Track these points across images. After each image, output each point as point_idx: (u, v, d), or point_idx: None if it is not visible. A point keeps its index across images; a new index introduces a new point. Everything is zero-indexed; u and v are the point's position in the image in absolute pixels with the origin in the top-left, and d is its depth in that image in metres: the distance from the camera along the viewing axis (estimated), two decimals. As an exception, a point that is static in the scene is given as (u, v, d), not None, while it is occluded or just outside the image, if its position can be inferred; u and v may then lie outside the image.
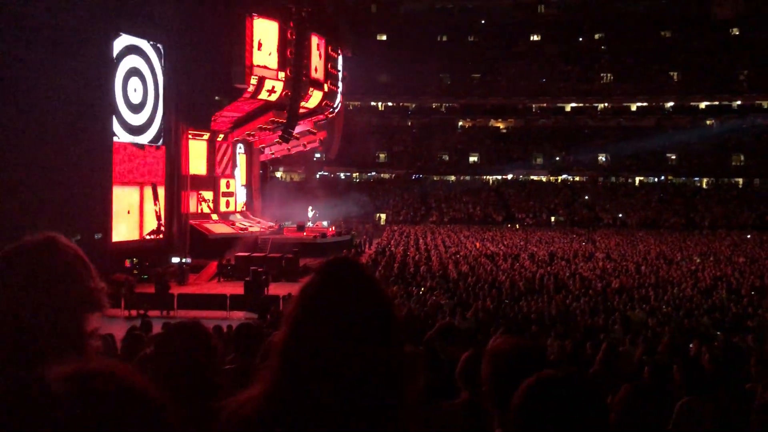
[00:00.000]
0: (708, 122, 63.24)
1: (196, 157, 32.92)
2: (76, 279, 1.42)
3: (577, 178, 61.53)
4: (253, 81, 28.66)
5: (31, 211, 20.82)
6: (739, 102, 62.26)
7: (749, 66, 61.62)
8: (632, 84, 64.10)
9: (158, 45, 27.12)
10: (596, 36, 69.06)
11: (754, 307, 15.45)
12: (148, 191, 27.13)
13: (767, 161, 56.76)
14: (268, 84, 29.27)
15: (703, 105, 63.64)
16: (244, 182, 38.18)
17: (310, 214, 38.64)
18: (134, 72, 25.99)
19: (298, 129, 33.55)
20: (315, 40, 32.89)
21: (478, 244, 35.11)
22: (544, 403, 1.38)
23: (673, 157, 60.28)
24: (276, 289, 21.79)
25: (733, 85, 61.84)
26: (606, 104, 65.63)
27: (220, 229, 32.43)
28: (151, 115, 27.06)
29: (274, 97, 29.99)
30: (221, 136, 34.52)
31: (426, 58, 65.95)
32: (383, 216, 54.44)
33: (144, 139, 26.82)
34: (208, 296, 20.43)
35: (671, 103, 64.16)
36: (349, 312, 1.21)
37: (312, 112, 34.94)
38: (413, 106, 69.21)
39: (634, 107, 65.36)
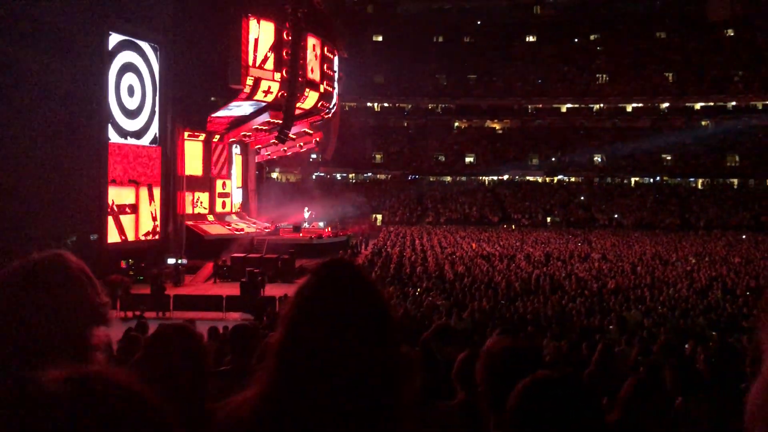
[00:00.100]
0: (703, 123, 63.40)
1: (192, 158, 32.88)
2: (83, 293, 1.47)
3: (572, 179, 61.62)
4: (249, 82, 28.63)
5: (27, 212, 20.79)
6: (734, 103, 62.42)
7: (744, 67, 61.81)
8: (628, 85, 64.25)
9: (154, 45, 27.10)
10: (592, 37, 69.24)
11: (749, 308, 15.48)
12: (143, 192, 27.06)
13: (762, 162, 56.94)
14: (264, 85, 29.24)
15: (698, 106, 63.79)
16: (240, 183, 38.16)
17: (306, 215, 38.64)
18: (130, 73, 25.94)
19: (294, 130, 33.52)
20: (311, 41, 32.87)
21: (474, 245, 35.12)
22: (540, 404, 1.38)
23: (669, 157, 60.42)
24: (272, 290, 21.76)
25: (728, 86, 62.02)
26: (602, 105, 65.75)
27: (216, 230, 32.39)
28: (146, 115, 27.01)
29: (270, 98, 29.97)
30: (217, 137, 34.48)
31: (422, 58, 66.06)
32: (379, 217, 54.43)
33: (140, 139, 26.76)
34: (204, 297, 20.38)
35: (666, 104, 64.31)
36: (345, 313, 1.21)
37: (308, 113, 34.93)
38: (409, 106, 69.25)
39: (629, 108, 65.49)
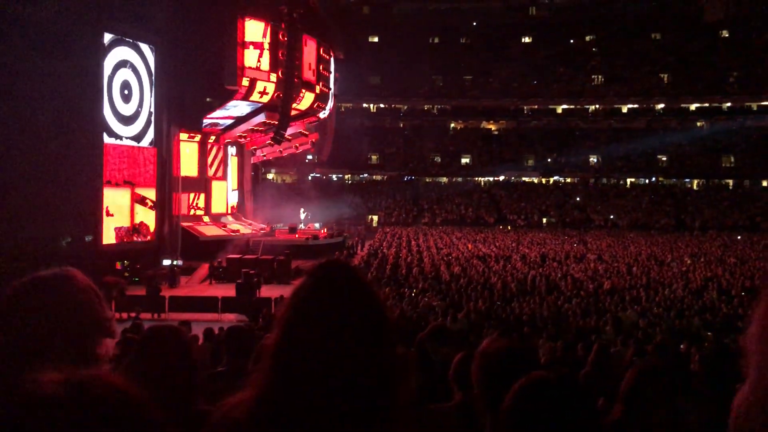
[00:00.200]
0: (698, 124, 63.59)
1: (188, 159, 32.84)
2: (90, 308, 1.55)
3: (568, 180, 61.72)
4: (245, 83, 28.61)
5: (22, 213, 20.73)
6: (729, 104, 62.61)
7: (739, 68, 62.00)
8: (623, 86, 64.39)
9: (149, 46, 27.04)
10: (587, 38, 69.38)
11: (745, 308, 15.52)
12: (139, 192, 26.99)
13: (757, 163, 57.14)
14: (259, 85, 29.21)
15: (693, 107, 63.97)
16: (236, 184, 38.12)
17: (302, 215, 38.61)
18: (125, 74, 25.89)
19: (290, 131, 33.51)
20: (307, 42, 32.86)
21: (470, 246, 35.14)
22: (535, 406, 1.39)
23: (664, 158, 60.57)
24: (268, 291, 21.76)
25: (724, 86, 62.20)
26: (597, 106, 65.87)
27: (212, 231, 32.36)
28: (141, 115, 26.96)
29: (265, 99, 29.95)
30: (213, 137, 34.44)
31: (418, 59, 66.11)
32: (375, 217, 54.43)
33: (135, 140, 26.70)
34: (200, 298, 20.36)
35: (662, 105, 64.45)
36: (341, 314, 1.21)
37: (304, 114, 34.90)
38: (405, 107, 69.25)
39: (625, 109, 65.63)
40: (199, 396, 2.23)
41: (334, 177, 63.74)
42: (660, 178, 60.10)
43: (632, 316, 14.25)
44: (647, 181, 60.62)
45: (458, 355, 3.02)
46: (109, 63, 24.98)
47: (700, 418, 4.04)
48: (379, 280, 21.92)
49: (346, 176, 64.24)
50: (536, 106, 67.02)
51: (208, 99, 28.77)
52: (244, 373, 1.29)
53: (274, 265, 26.21)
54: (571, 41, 69.27)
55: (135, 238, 26.49)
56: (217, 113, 30.31)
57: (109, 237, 25.04)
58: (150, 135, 27.36)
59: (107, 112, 24.95)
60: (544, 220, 54.47)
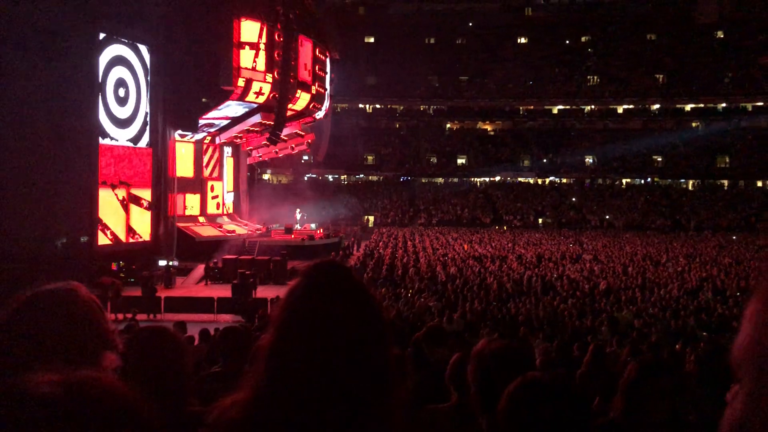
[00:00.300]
0: (693, 124, 63.81)
1: (183, 160, 32.79)
2: (94, 321, 1.58)
3: (564, 180, 61.83)
4: (241, 83, 28.56)
5: (17, 214, 20.67)
6: (724, 104, 62.82)
7: (734, 69, 62.23)
8: (618, 86, 64.55)
9: (145, 46, 27.00)
10: (583, 39, 69.54)
11: (740, 308, 15.55)
12: (134, 193, 26.93)
13: (752, 163, 57.35)
14: (255, 86, 29.16)
15: (688, 107, 64.17)
16: (232, 185, 38.06)
17: (298, 216, 38.59)
18: (120, 74, 25.83)
19: (285, 131, 33.47)
20: (303, 42, 32.83)
21: (466, 246, 35.17)
22: (530, 406, 1.38)
23: (660, 159, 60.74)
24: (264, 291, 21.73)
25: (718, 87, 62.40)
26: (593, 106, 66.02)
27: (208, 231, 32.30)
28: (136, 116, 26.91)
29: (261, 99, 29.91)
30: (208, 138, 34.39)
31: (414, 60, 66.13)
32: (371, 218, 54.43)
33: (130, 141, 26.64)
34: (196, 299, 20.32)
35: (657, 106, 64.63)
36: (335, 315, 1.20)
37: (300, 115, 34.87)
38: (401, 108, 69.28)
39: (620, 109, 65.78)
40: (192, 397, 2.23)
41: (330, 177, 63.72)
42: (655, 179, 60.26)
43: (628, 317, 14.28)
44: (643, 181, 60.77)
45: (455, 356, 3.02)
46: (104, 63, 24.92)
47: (696, 418, 4.04)
48: (375, 280, 21.91)
49: (342, 177, 64.24)
50: (532, 107, 67.13)
51: (203, 99, 28.71)
52: (239, 374, 1.29)
53: (270, 265, 26.19)
54: (567, 42, 69.44)
55: (131, 239, 26.45)
56: (213, 114, 30.24)
57: (104, 238, 24.97)
58: (146, 135, 27.29)
59: (102, 112, 24.88)
60: (540, 221, 54.55)
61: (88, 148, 23.96)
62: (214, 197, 35.83)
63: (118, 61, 25.76)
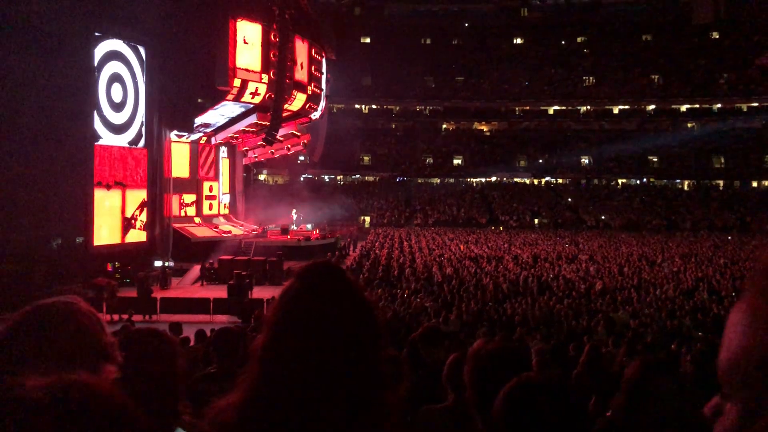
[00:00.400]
0: (689, 125, 63.97)
1: (179, 160, 32.73)
2: (93, 334, 1.61)
3: (560, 181, 61.92)
4: (236, 83, 28.54)
5: (12, 215, 20.60)
6: (719, 105, 63.00)
7: (729, 69, 62.40)
8: (614, 87, 64.67)
9: (140, 46, 26.94)
10: (578, 39, 69.68)
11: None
12: (130, 194, 26.85)
13: (747, 164, 57.56)
14: (251, 86, 29.13)
15: (683, 108, 64.33)
16: (228, 185, 38.01)
17: (294, 217, 38.56)
18: (116, 74, 25.76)
19: (281, 132, 33.45)
20: (298, 43, 32.82)
21: (462, 247, 35.19)
22: (525, 407, 1.38)
23: (655, 159, 60.86)
24: (260, 292, 21.72)
25: (714, 88, 62.57)
26: (588, 107, 66.13)
27: (204, 232, 32.26)
28: (132, 116, 26.85)
29: (257, 100, 29.89)
30: (204, 138, 34.34)
31: (410, 60, 66.20)
32: (368, 218, 54.43)
33: (125, 141, 26.58)
34: (192, 300, 20.29)
35: (653, 106, 64.78)
36: (329, 317, 1.20)
37: (296, 115, 34.85)
38: (397, 108, 69.30)
39: (616, 110, 65.91)
40: (184, 399, 2.22)
41: (326, 178, 63.71)
42: (651, 179, 60.40)
43: (624, 317, 14.30)
44: (638, 181, 60.92)
45: (451, 356, 3.02)
46: (100, 62, 24.86)
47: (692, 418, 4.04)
48: (372, 281, 21.90)
49: (339, 177, 64.24)
50: (528, 107, 67.22)
51: (199, 100, 28.69)
52: (233, 375, 1.28)
53: (266, 266, 26.17)
54: (563, 43, 69.58)
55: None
56: (209, 114, 30.22)
57: (100, 238, 24.89)
58: (141, 135, 27.22)
59: (97, 112, 24.80)
60: (536, 221, 54.62)
61: (83, 149, 23.90)
62: (209, 198, 35.78)
63: (114, 59, 25.68)
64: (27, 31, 20.91)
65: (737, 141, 59.68)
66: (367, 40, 72.21)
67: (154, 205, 27.76)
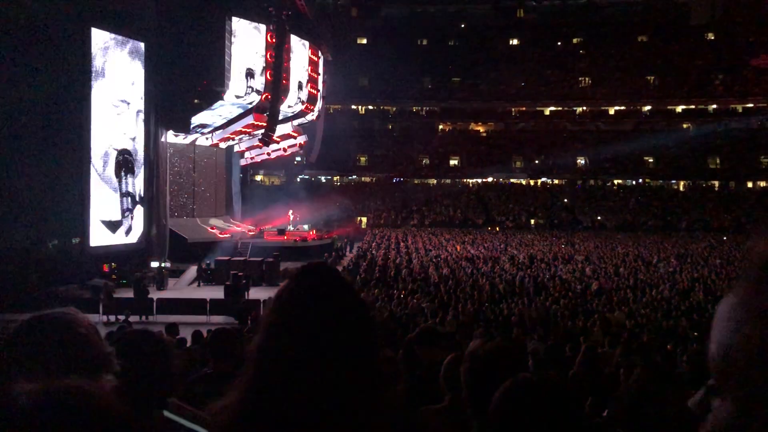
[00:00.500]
0: (685, 126, 64.04)
1: (176, 160, 32.70)
2: (91, 343, 1.64)
3: (556, 181, 61.97)
4: (232, 84, 28.52)
5: (8, 216, 20.55)
6: (714, 106, 63.10)
7: (724, 70, 62.50)
8: (610, 88, 64.73)
9: (137, 47, 26.87)
10: (575, 40, 69.71)
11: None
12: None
13: (743, 164, 57.67)
14: (247, 87, 29.15)
15: (679, 109, 64.43)
16: (225, 186, 38.00)
17: (291, 217, 38.54)
18: (112, 74, 25.68)
19: (278, 132, 33.45)
20: (295, 43, 32.81)
21: (458, 247, 35.22)
22: (520, 407, 1.38)
23: (651, 160, 60.93)
24: (257, 293, 21.70)
25: (709, 89, 62.68)
26: (584, 108, 66.17)
27: (200, 233, 32.23)
28: (130, 117, 26.79)
29: (254, 100, 29.88)
30: (201, 138, 34.31)
31: (406, 61, 66.12)
32: (364, 219, 54.40)
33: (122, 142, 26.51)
34: (188, 301, 20.24)
35: (648, 107, 64.85)
36: (324, 318, 1.20)
37: (292, 116, 34.87)
38: (394, 109, 69.26)
39: (612, 111, 65.97)
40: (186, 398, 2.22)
41: (323, 179, 63.67)
42: (647, 180, 60.48)
43: (620, 317, 14.33)
44: (634, 182, 60.99)
45: (450, 356, 3.02)
46: (99, 64, 24.78)
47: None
48: (368, 281, 21.90)
49: (335, 178, 64.19)
50: (524, 108, 67.25)
51: (196, 101, 28.64)
52: (229, 376, 1.28)
53: (263, 266, 26.14)
54: (559, 44, 69.60)
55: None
56: (206, 114, 30.19)
57: (96, 238, 24.81)
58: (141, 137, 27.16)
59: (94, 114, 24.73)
60: (532, 222, 54.65)
61: (80, 149, 23.83)
62: (206, 198, 35.75)
63: (110, 59, 25.61)
64: (22, 31, 20.87)
65: (733, 142, 59.77)
66: (364, 41, 72.15)
67: (151, 205, 27.70)
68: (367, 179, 64.08)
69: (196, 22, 27.24)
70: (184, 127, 29.81)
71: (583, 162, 62.24)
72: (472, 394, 2.11)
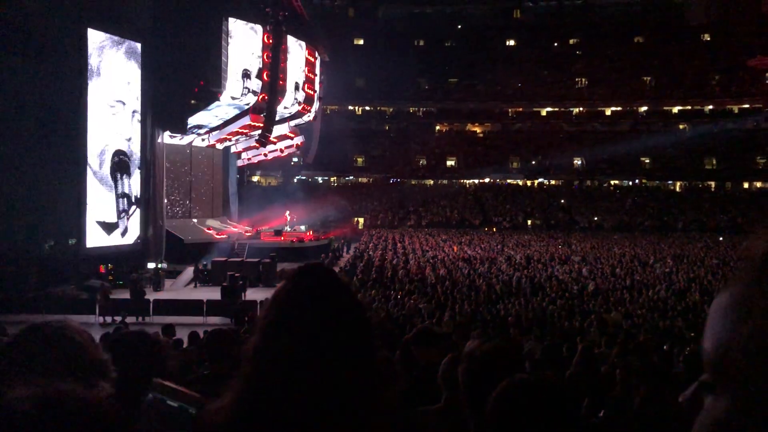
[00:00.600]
0: (681, 126, 64.17)
1: (172, 161, 32.65)
2: (87, 352, 1.64)
3: (553, 182, 62.04)
4: (229, 84, 28.49)
5: (4, 217, 20.51)
6: (711, 107, 63.25)
7: (721, 71, 62.66)
8: (607, 89, 64.84)
9: (135, 49, 26.83)
10: (571, 41, 69.80)
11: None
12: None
13: (739, 165, 57.81)
14: (243, 88, 29.12)
15: (676, 110, 64.57)
16: (221, 187, 37.96)
17: (288, 218, 38.52)
18: (107, 74, 25.64)
19: (275, 133, 33.41)
20: (292, 44, 32.80)
21: (455, 248, 35.23)
22: (517, 407, 1.38)
23: (647, 160, 61.04)
24: (253, 294, 21.67)
25: (706, 90, 62.84)
26: (581, 109, 66.27)
27: (197, 233, 32.18)
28: (126, 117, 26.75)
29: (251, 101, 29.86)
30: (198, 139, 34.27)
31: (403, 62, 66.09)
32: (361, 220, 54.40)
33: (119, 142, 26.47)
34: (185, 302, 20.18)
35: (645, 108, 64.98)
36: (321, 319, 1.20)
37: (289, 116, 34.84)
38: (391, 110, 69.29)
39: (608, 112, 66.09)
40: None
41: (320, 179, 63.66)
42: (643, 180, 60.60)
43: (616, 318, 14.34)
44: (631, 183, 61.10)
45: (448, 356, 3.02)
46: (95, 64, 24.73)
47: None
48: (365, 282, 21.88)
49: (332, 179, 64.18)
50: (521, 109, 67.32)
51: (192, 101, 28.62)
52: (226, 377, 1.28)
53: (260, 267, 26.11)
54: (556, 44, 69.69)
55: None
56: (202, 115, 30.16)
57: (92, 239, 24.77)
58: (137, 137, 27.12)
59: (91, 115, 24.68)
60: (529, 222, 54.70)
61: (76, 150, 23.78)
62: (203, 199, 35.71)
63: (107, 60, 25.58)
64: (18, 32, 20.82)
65: (729, 142, 59.90)
66: (361, 42, 72.12)
67: (148, 206, 27.66)
68: (364, 180, 64.08)
69: (193, 22, 27.20)
70: (181, 128, 29.76)
71: (579, 162, 62.31)
72: (469, 394, 2.11)
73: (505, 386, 1.44)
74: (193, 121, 30.23)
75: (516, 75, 66.93)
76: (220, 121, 32.12)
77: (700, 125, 62.20)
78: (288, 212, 38.60)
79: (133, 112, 26.90)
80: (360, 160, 65.05)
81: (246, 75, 29.26)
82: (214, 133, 33.52)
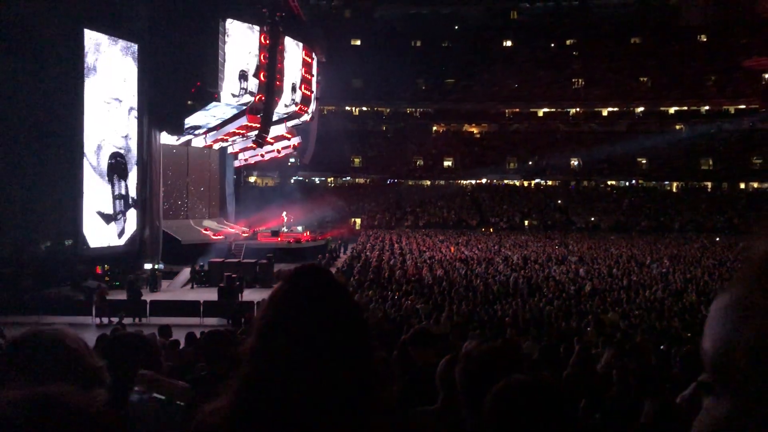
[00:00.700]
0: (678, 127, 64.27)
1: (169, 161, 32.60)
2: (82, 357, 1.67)
3: (549, 183, 62.10)
4: (226, 85, 28.48)
5: (1, 219, 20.47)
6: (707, 107, 63.39)
7: (717, 72, 62.78)
8: (604, 89, 64.93)
9: (131, 48, 26.79)
10: (568, 42, 69.88)
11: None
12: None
13: (735, 165, 57.93)
14: (240, 89, 29.11)
15: (672, 110, 64.69)
16: (218, 187, 37.92)
17: (285, 219, 38.49)
18: (103, 71, 25.57)
19: (272, 134, 33.40)
20: (289, 45, 32.79)
21: (452, 248, 35.24)
22: (514, 408, 1.38)
23: (644, 161, 61.13)
24: (250, 295, 21.66)
25: (702, 90, 62.96)
26: (578, 109, 66.37)
27: (194, 234, 32.14)
28: (123, 117, 26.70)
29: (248, 101, 29.84)
30: (194, 140, 34.23)
31: (400, 63, 66.09)
32: (358, 220, 54.38)
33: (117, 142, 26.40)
34: (182, 303, 20.17)
35: (642, 108, 65.09)
36: (317, 320, 1.20)
37: (286, 117, 34.83)
38: (388, 110, 69.30)
39: (605, 112, 66.18)
40: None
41: (317, 180, 63.65)
42: (640, 181, 60.69)
43: (613, 318, 14.36)
44: (627, 183, 61.19)
45: (446, 357, 3.02)
46: (91, 63, 24.67)
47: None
48: (362, 283, 21.88)
49: (329, 179, 64.18)
50: (518, 110, 67.39)
51: (189, 102, 28.59)
52: (223, 378, 1.28)
53: (257, 268, 26.10)
54: (552, 45, 69.77)
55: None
56: (199, 115, 30.14)
57: (90, 235, 24.69)
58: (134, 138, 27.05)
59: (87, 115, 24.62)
60: (526, 223, 54.74)
61: (73, 150, 23.72)
62: (200, 200, 35.67)
63: (104, 60, 25.52)
64: (14, 32, 20.78)
65: (725, 143, 60.06)
66: (358, 42, 72.09)
67: (144, 206, 27.60)
68: (361, 180, 64.09)
69: (190, 23, 27.17)
70: (178, 129, 29.74)
71: (576, 163, 62.38)
72: (466, 395, 2.11)
73: (502, 387, 1.44)
74: (190, 121, 30.21)
75: (513, 76, 67.01)
76: (218, 122, 32.09)
77: (697, 126, 62.30)
78: (285, 213, 38.57)
79: (130, 109, 26.78)
80: (357, 160, 65.05)
81: (243, 75, 29.25)
82: (211, 133, 33.48)
